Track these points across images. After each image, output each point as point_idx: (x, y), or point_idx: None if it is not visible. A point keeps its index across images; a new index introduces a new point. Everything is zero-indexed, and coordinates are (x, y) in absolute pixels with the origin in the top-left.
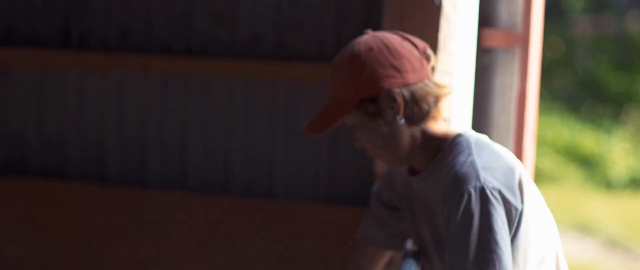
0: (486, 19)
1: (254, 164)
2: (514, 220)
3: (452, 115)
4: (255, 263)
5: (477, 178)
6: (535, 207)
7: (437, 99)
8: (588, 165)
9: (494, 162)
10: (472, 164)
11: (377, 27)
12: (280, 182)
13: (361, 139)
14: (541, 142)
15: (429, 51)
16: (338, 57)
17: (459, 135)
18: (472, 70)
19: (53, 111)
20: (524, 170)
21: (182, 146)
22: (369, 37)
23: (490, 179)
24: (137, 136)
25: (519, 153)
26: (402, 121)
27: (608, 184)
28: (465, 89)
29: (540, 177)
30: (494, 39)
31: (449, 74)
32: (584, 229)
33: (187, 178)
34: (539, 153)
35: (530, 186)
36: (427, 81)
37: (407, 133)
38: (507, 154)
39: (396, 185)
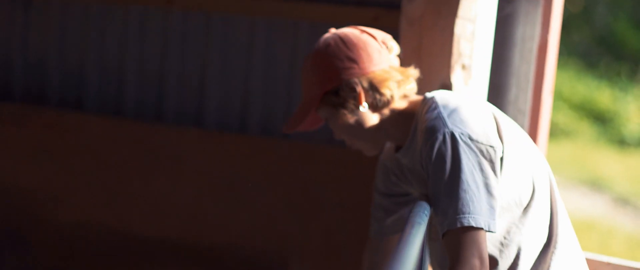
0: None
1: (272, 104)
2: (494, 160)
3: (473, 62)
4: (268, 203)
5: (445, 125)
6: (520, 150)
7: (398, 83)
8: (602, 121)
9: (461, 109)
10: (439, 114)
11: None
12: None
13: (336, 131)
14: (557, 96)
15: (391, 42)
16: (305, 58)
17: (424, 98)
18: (494, 17)
19: (74, 44)
20: (500, 115)
21: (200, 83)
22: (329, 35)
23: (458, 125)
24: (156, 71)
25: (536, 104)
26: (365, 109)
27: (621, 142)
28: (487, 36)
29: (554, 131)
30: None
31: (470, 20)
32: (595, 185)
33: (204, 115)
34: (554, 107)
35: (510, 129)
36: (387, 68)
37: (374, 118)
38: (475, 101)
39: (389, 171)
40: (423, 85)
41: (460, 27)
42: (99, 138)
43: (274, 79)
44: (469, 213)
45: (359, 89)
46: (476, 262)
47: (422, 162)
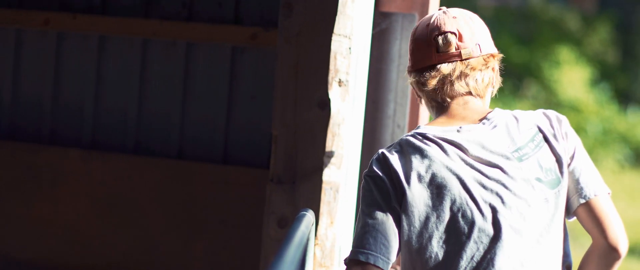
0: None
1: (150, 123)
2: (396, 218)
3: (350, 78)
4: (150, 222)
5: (373, 159)
6: (434, 221)
7: None
8: None
9: (390, 160)
10: (382, 149)
11: None
12: (175, 142)
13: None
14: None
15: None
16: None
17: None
18: (370, 33)
19: None
20: (437, 179)
21: (78, 103)
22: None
23: (375, 168)
24: (32, 93)
25: (414, 118)
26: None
27: None
28: (363, 52)
29: None
30: (393, 3)
31: (347, 36)
32: None
33: (82, 135)
34: None
35: (420, 197)
36: None
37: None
38: (418, 158)
39: None
40: (301, 102)
41: (337, 43)
42: None
43: (150, 98)
44: (356, 246)
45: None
46: None
47: None
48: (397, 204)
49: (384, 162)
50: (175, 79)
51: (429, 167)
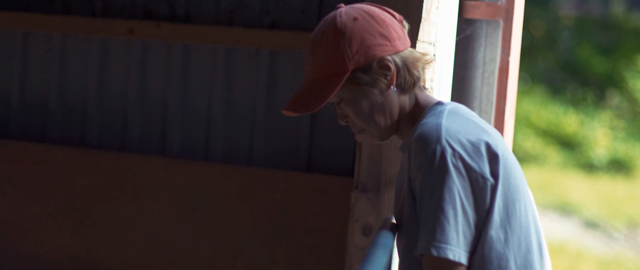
0: None
1: (234, 131)
2: (484, 190)
3: (434, 85)
4: (234, 229)
5: (438, 140)
6: (516, 188)
7: (424, 65)
8: (570, 147)
9: (463, 129)
10: (438, 126)
11: None
12: (260, 150)
13: (349, 114)
14: (524, 123)
15: (405, 22)
16: (317, 33)
17: (439, 103)
18: (454, 40)
19: (36, 75)
20: (505, 149)
21: (163, 111)
22: (348, 8)
23: (453, 143)
24: (118, 101)
25: (499, 125)
26: (395, 90)
27: (589, 166)
28: (447, 59)
29: (522, 157)
30: (477, 10)
31: (431, 43)
32: (564, 209)
33: (167, 143)
34: (521, 134)
35: (510, 166)
36: (411, 49)
37: (397, 102)
38: (483, 127)
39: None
40: None
41: (422, 50)
42: (63, 168)
43: (236, 106)
44: (439, 241)
45: (393, 68)
46: None
47: (410, 172)
48: (492, 177)
49: (478, 149)
50: (259, 87)
51: (499, 140)
